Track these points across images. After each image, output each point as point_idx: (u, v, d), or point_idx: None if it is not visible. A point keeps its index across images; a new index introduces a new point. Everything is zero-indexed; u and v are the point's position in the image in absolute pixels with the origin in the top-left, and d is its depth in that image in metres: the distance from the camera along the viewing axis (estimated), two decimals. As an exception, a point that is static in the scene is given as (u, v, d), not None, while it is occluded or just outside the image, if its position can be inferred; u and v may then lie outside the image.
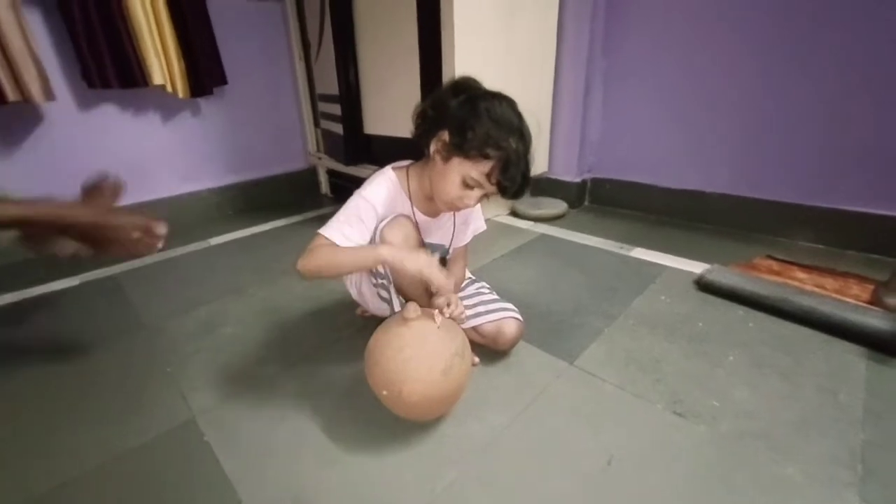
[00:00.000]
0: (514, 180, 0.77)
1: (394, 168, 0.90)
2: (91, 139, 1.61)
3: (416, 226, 0.87)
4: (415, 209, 0.89)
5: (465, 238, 1.02)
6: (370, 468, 0.69)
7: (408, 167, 0.90)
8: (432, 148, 0.80)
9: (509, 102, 0.79)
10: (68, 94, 1.53)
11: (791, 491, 0.63)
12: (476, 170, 0.76)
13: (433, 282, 0.75)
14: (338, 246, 0.78)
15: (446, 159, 0.78)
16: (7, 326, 1.15)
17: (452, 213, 0.95)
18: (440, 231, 0.96)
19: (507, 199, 0.83)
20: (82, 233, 0.84)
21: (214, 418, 0.80)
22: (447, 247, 0.98)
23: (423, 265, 0.74)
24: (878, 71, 1.25)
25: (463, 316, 0.80)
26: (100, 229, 0.84)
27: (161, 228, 0.87)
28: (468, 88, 0.80)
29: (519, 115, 0.79)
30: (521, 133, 0.78)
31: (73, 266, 1.49)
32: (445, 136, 0.77)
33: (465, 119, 0.75)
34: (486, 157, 0.75)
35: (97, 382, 0.92)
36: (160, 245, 0.87)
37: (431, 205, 0.88)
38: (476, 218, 1.03)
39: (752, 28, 1.43)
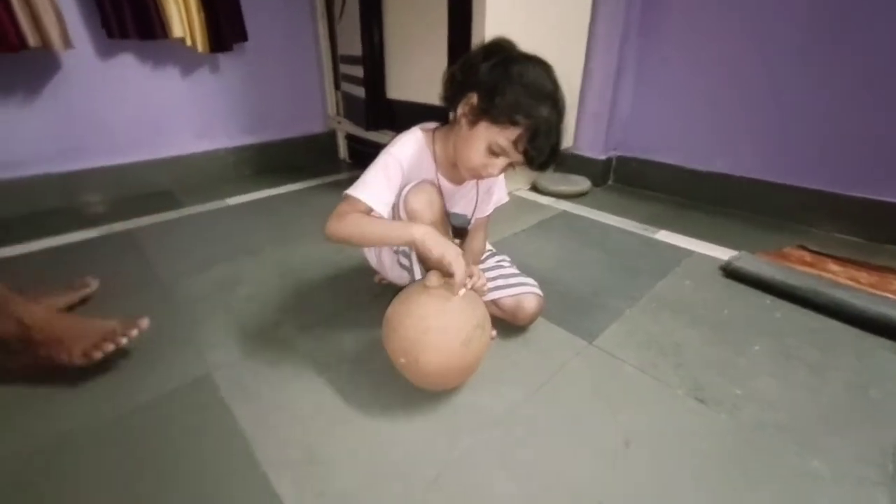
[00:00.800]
0: (542, 151, 0.73)
1: (422, 129, 0.86)
2: (109, 91, 1.58)
3: (440, 193, 0.84)
4: (439, 175, 0.86)
5: (487, 209, 0.99)
6: (383, 431, 0.69)
7: (434, 130, 0.87)
8: (459, 111, 0.76)
9: (545, 67, 0.74)
10: (88, 44, 1.50)
11: (816, 486, 0.61)
12: (503, 136, 0.72)
13: (455, 274, 0.70)
14: (369, 216, 0.77)
15: (473, 123, 0.75)
16: (21, 276, 1.15)
17: (476, 181, 0.91)
18: (463, 200, 0.93)
19: (534, 170, 0.79)
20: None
21: (230, 375, 0.80)
22: (469, 216, 0.95)
23: (451, 257, 0.70)
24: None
25: (485, 288, 0.78)
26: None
27: (132, 330, 0.81)
28: (501, 50, 0.76)
29: (554, 82, 0.74)
30: (554, 101, 0.73)
31: (89, 218, 1.49)
32: (474, 98, 0.73)
33: (496, 82, 0.71)
34: (515, 123, 0.71)
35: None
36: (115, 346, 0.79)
37: (456, 172, 0.85)
38: (499, 188, 0.99)
39: (789, 8, 1.35)
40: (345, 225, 0.76)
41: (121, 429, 0.69)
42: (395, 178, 0.79)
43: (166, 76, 1.69)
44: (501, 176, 0.99)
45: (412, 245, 0.74)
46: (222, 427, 0.69)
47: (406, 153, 0.81)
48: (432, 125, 0.88)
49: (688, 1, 1.56)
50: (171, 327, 0.94)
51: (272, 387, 0.78)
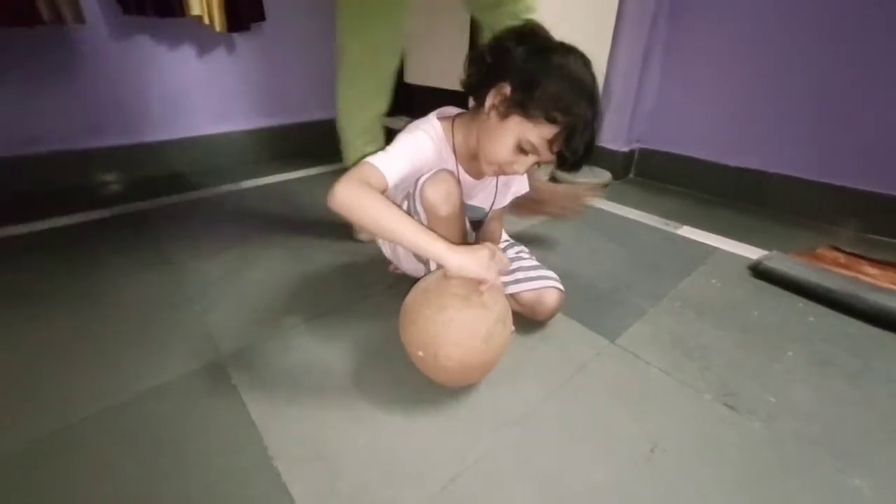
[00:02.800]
0: (576, 152, 0.68)
1: (439, 117, 0.81)
2: (125, 70, 1.56)
3: (459, 184, 0.78)
4: (459, 167, 0.81)
5: (505, 200, 0.95)
6: (399, 430, 0.66)
7: (454, 119, 0.81)
8: (488, 102, 0.70)
9: (584, 60, 0.68)
10: (102, 21, 1.47)
11: (857, 504, 0.57)
12: (536, 133, 0.67)
13: (486, 284, 0.66)
14: (397, 209, 0.67)
15: (504, 116, 0.69)
16: (33, 254, 1.15)
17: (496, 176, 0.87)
18: (482, 193, 0.89)
19: (564, 170, 0.74)
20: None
21: (242, 362, 0.78)
22: (487, 210, 0.92)
23: (489, 280, 0.66)
24: None
25: (508, 268, 0.74)
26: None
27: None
28: (536, 38, 0.70)
29: (593, 77, 0.69)
30: (592, 97, 0.68)
31: (106, 197, 1.49)
32: (507, 89, 0.67)
33: (534, 73, 0.65)
34: (553, 120, 0.65)
35: (121, 317, 0.90)
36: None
37: (476, 165, 0.80)
38: (519, 178, 0.95)
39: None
40: (363, 199, 0.65)
41: (129, 414, 0.68)
42: (417, 164, 0.73)
43: (183, 56, 1.67)
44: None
45: (440, 262, 0.66)
46: (234, 417, 0.67)
47: (428, 143, 0.76)
48: (451, 111, 0.83)
49: (723, -16, 1.49)
50: (182, 310, 0.93)
51: (284, 377, 0.76)
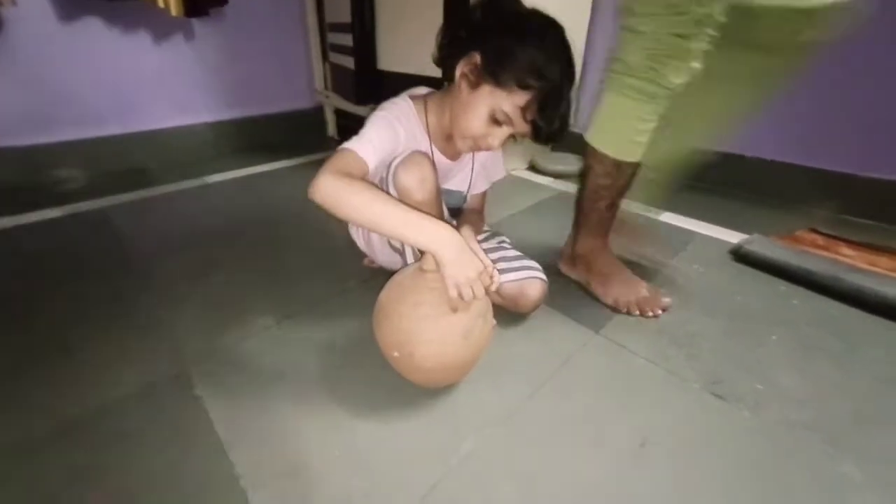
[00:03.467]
0: (551, 120, 0.65)
1: (411, 96, 0.77)
2: (74, 57, 1.45)
3: (434, 168, 0.74)
4: (433, 149, 0.77)
5: (483, 185, 0.91)
6: (377, 436, 0.62)
7: (426, 97, 0.77)
8: (458, 71, 0.67)
9: (557, 28, 0.66)
10: (47, 5, 1.36)
11: (849, 491, 0.56)
12: (510, 102, 0.64)
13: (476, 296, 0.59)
14: (388, 196, 0.61)
15: (474, 86, 0.66)
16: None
17: (472, 155, 0.83)
18: (458, 176, 0.85)
19: (540, 143, 0.70)
20: None
21: (207, 371, 0.73)
22: (465, 193, 0.88)
23: (473, 278, 0.57)
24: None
25: (497, 281, 0.64)
26: None
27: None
28: (508, 7, 0.66)
29: (567, 44, 0.66)
30: (568, 64, 0.65)
31: (58, 196, 1.38)
32: (477, 58, 0.64)
33: (504, 40, 0.62)
34: (525, 87, 0.62)
35: (75, 325, 0.83)
36: None
37: (451, 145, 0.76)
38: (496, 163, 0.92)
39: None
40: (348, 191, 0.58)
41: (81, 434, 0.62)
42: (393, 145, 0.69)
43: (137, 43, 1.56)
44: (499, 150, 0.91)
45: (429, 251, 0.58)
46: (197, 432, 0.62)
47: (401, 124, 0.71)
48: (422, 91, 0.79)
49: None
50: (142, 315, 0.86)
51: (252, 384, 0.70)
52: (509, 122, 0.66)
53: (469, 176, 0.87)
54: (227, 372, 0.73)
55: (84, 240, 1.15)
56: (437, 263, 0.58)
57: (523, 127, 0.67)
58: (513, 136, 0.70)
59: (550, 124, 0.66)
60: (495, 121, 0.66)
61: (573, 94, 0.68)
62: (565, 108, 0.66)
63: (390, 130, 0.69)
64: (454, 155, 0.80)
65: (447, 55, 0.69)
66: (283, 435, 0.62)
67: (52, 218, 1.25)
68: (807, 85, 1.34)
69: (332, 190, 0.58)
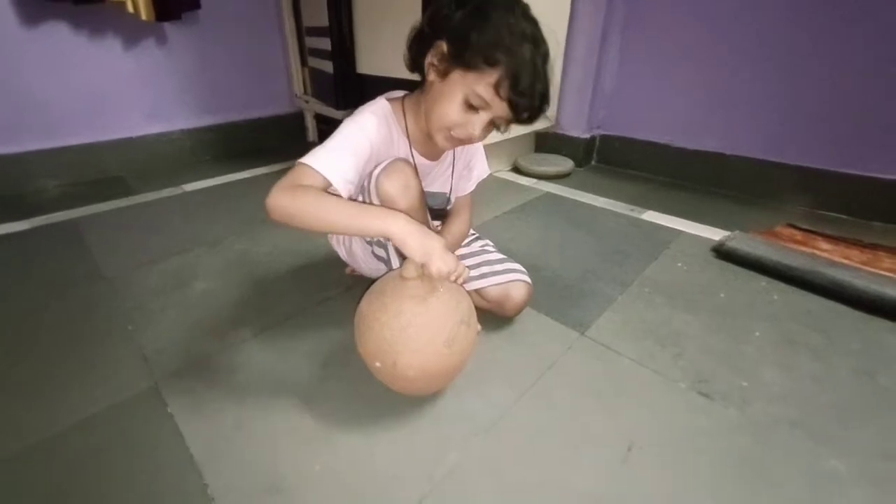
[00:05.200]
0: (527, 95, 0.62)
1: (388, 99, 0.75)
2: (41, 63, 1.40)
3: (416, 173, 0.72)
4: (413, 151, 0.76)
5: (467, 186, 0.90)
6: (358, 450, 0.60)
7: (403, 99, 0.76)
8: (427, 61, 0.65)
9: (523, 7, 0.63)
10: (10, 10, 1.32)
11: (836, 487, 0.56)
12: (482, 82, 0.61)
13: (435, 274, 0.60)
14: (330, 195, 0.62)
15: (444, 74, 0.63)
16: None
17: (453, 155, 0.82)
18: (441, 177, 0.84)
19: (522, 122, 0.67)
20: None
21: (181, 387, 0.70)
22: (448, 195, 0.86)
23: (435, 255, 0.59)
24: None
25: (466, 275, 0.65)
26: None
27: None
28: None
29: (534, 22, 0.63)
30: (535, 40, 0.62)
31: (26, 207, 1.33)
32: (443, 46, 0.62)
33: (469, 24, 0.60)
34: (494, 63, 0.60)
35: (44, 342, 0.80)
36: None
37: (431, 146, 0.74)
38: (479, 162, 0.90)
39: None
40: (297, 200, 0.60)
41: (48, 453, 0.59)
42: (362, 154, 0.67)
43: (106, 48, 1.51)
44: (481, 148, 0.89)
45: (387, 238, 0.62)
46: (168, 451, 0.59)
47: (374, 127, 0.69)
48: (399, 93, 0.77)
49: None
50: (114, 330, 0.83)
51: (229, 400, 0.68)
52: (485, 105, 0.63)
53: (451, 176, 0.85)
54: (202, 387, 0.70)
55: (53, 253, 1.10)
56: (399, 242, 0.59)
57: (501, 108, 0.64)
58: (495, 125, 0.68)
59: (528, 99, 0.63)
60: (471, 106, 0.64)
61: (549, 72, 0.65)
62: (542, 85, 0.63)
63: (358, 136, 0.67)
64: (435, 155, 0.79)
65: (416, 54, 0.67)
66: (259, 452, 0.59)
67: (19, 231, 1.20)
68: (781, 83, 1.37)
69: (281, 204, 0.60)
